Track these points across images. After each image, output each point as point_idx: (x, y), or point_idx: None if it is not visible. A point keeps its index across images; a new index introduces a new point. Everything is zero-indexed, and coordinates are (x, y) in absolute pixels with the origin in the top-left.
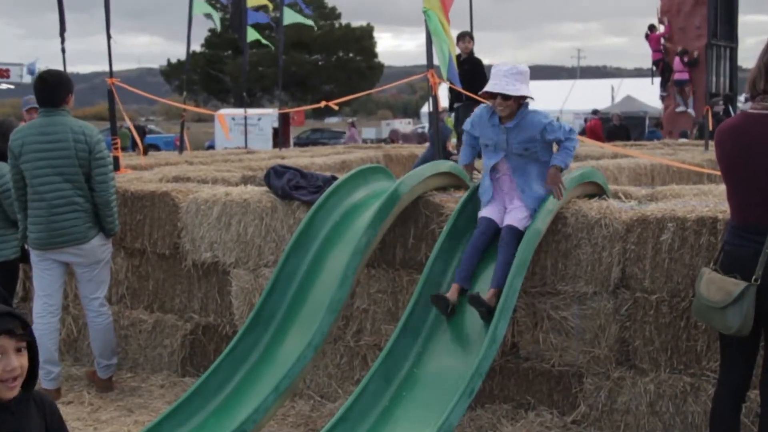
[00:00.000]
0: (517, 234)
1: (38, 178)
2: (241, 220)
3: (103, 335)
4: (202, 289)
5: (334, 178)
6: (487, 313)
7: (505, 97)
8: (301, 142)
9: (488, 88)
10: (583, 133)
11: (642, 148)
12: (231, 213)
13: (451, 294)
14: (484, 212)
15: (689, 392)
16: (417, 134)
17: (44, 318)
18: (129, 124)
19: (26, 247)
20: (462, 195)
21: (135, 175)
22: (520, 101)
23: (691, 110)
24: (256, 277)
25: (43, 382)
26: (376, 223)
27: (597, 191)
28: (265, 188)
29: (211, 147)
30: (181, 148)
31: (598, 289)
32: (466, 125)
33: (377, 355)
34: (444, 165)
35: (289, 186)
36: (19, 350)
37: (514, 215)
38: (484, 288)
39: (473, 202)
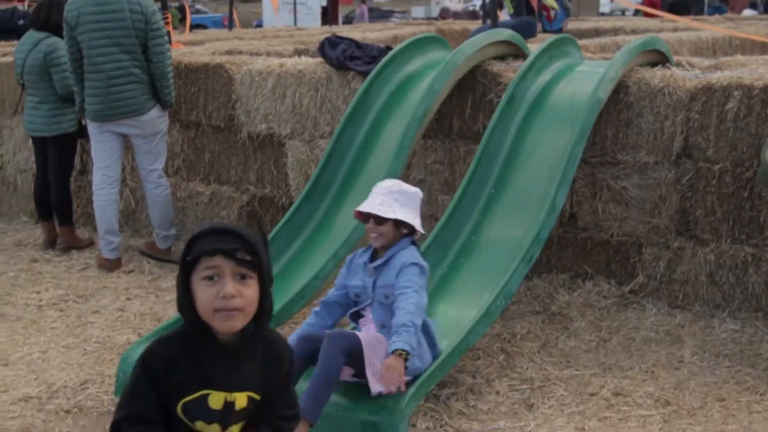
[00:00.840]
0: (342, 344)
1: (95, 49)
2: (296, 91)
3: (161, 206)
4: (257, 161)
5: (390, 49)
6: None
7: (379, 220)
8: (350, 21)
9: (360, 206)
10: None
11: (703, 22)
12: (286, 84)
13: None
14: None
15: (750, 263)
16: (468, 12)
17: (104, 189)
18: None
19: (83, 121)
20: (521, 64)
21: (187, 49)
22: (402, 231)
23: None
24: (312, 148)
25: (104, 252)
26: (432, 93)
27: (660, 60)
28: (319, 59)
29: (259, 26)
30: (230, 26)
31: (659, 158)
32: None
33: (434, 226)
34: (502, 33)
35: (344, 56)
36: (243, 277)
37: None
38: None
39: (533, 71)
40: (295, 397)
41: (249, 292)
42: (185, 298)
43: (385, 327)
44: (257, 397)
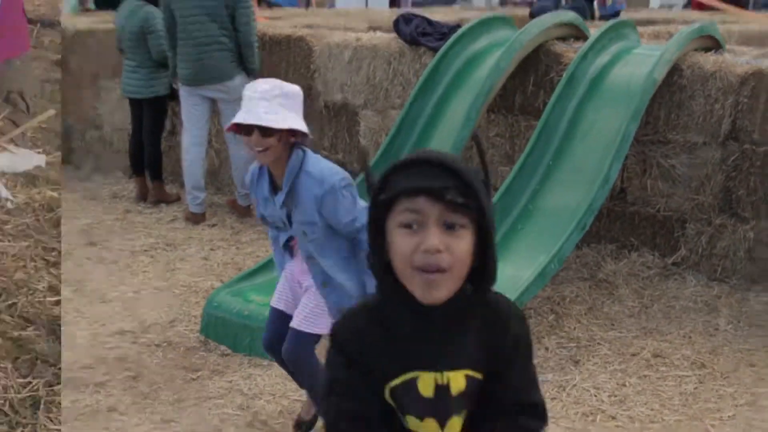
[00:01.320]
0: (301, 339)
1: (188, 17)
2: (370, 64)
3: (244, 166)
4: (332, 129)
5: (459, 27)
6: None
7: (265, 132)
8: (418, 2)
9: (238, 118)
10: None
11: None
12: (361, 57)
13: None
14: (274, 299)
15: None
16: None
17: (192, 148)
18: None
19: (174, 86)
20: (582, 45)
21: (269, 23)
22: (290, 140)
23: None
24: (383, 118)
25: (191, 206)
26: (499, 70)
27: (713, 45)
28: (393, 34)
29: (332, 6)
30: (307, 3)
31: (707, 139)
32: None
33: (493, 195)
34: (566, 15)
35: (417, 32)
36: (452, 227)
37: (302, 309)
38: None
39: (593, 52)
40: (536, 378)
41: (461, 246)
42: (378, 249)
43: (311, 258)
44: (478, 375)
